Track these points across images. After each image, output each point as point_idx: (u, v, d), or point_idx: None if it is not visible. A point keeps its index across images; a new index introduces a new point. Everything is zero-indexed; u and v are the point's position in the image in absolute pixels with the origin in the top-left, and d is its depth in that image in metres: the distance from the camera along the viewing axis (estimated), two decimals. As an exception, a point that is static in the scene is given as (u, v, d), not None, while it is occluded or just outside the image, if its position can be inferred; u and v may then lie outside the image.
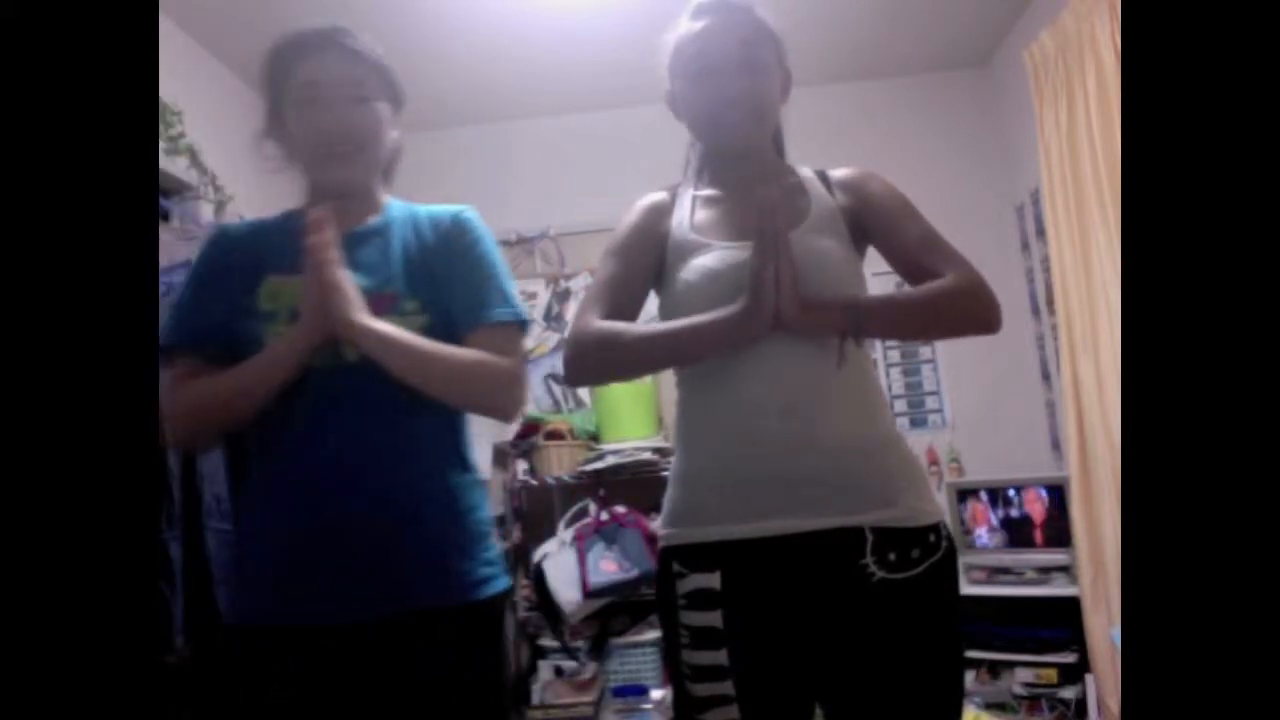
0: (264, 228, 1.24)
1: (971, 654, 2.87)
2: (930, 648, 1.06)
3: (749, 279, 1.03)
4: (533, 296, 3.71)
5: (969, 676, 2.90)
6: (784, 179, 1.23)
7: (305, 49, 1.17)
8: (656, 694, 2.95)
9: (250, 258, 1.18)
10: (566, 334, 1.18)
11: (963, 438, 3.53)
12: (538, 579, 3.03)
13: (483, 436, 3.59)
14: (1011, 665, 2.90)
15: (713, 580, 1.07)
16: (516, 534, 3.40)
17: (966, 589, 2.98)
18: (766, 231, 1.01)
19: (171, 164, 2.66)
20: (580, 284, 3.68)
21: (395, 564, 1.09)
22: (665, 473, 1.21)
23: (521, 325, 1.20)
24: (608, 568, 2.96)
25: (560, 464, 3.29)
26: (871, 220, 1.18)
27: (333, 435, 1.11)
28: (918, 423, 3.58)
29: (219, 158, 2.79)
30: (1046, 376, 3.43)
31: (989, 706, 2.83)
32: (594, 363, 1.13)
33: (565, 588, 2.97)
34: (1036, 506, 3.09)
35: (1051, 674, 2.83)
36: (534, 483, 3.33)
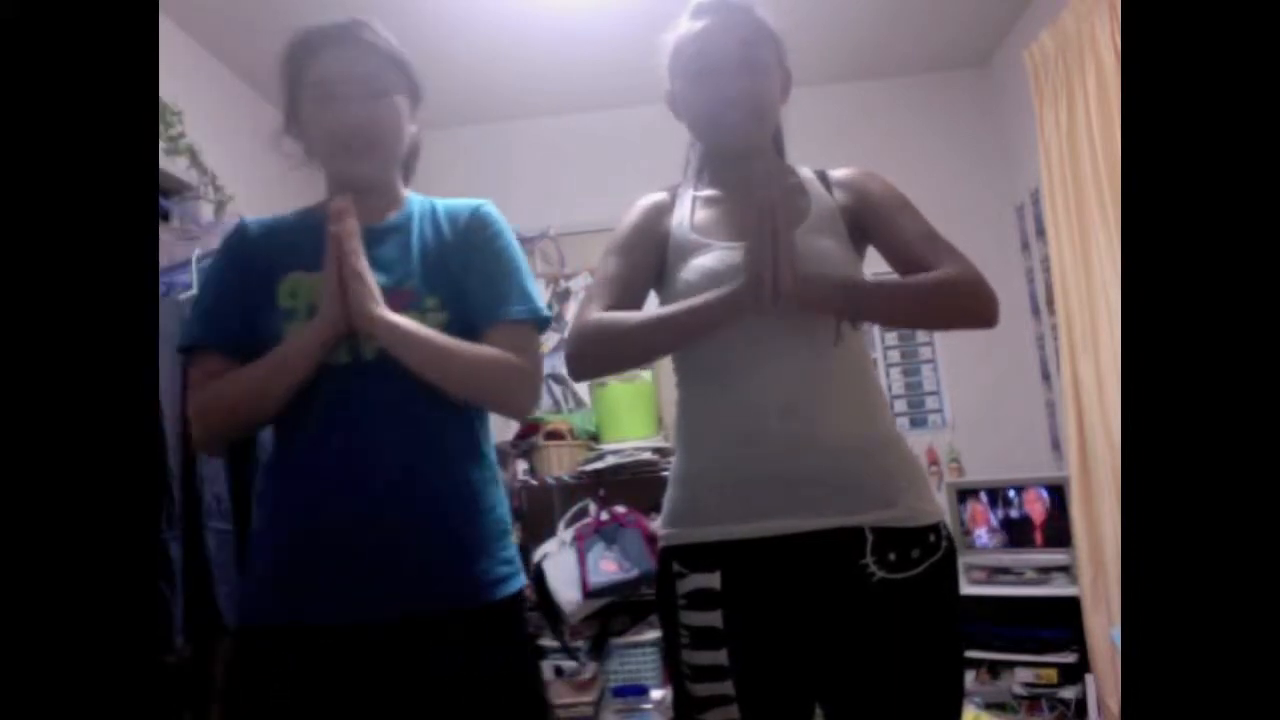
0: (283, 224, 1.23)
1: (971, 654, 2.87)
2: (930, 648, 1.06)
3: (746, 254, 1.02)
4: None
5: (969, 676, 2.90)
6: (784, 179, 1.23)
7: (323, 44, 1.16)
8: (656, 694, 2.95)
9: (269, 254, 1.18)
10: (568, 332, 1.17)
11: (963, 438, 3.53)
12: (538, 579, 3.02)
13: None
14: (1011, 665, 2.90)
15: (713, 580, 1.07)
16: (516, 534, 3.39)
17: (966, 589, 2.98)
18: (764, 206, 1.00)
19: (171, 164, 2.66)
20: (580, 284, 3.68)
21: (414, 563, 1.08)
22: (665, 473, 1.21)
23: (539, 323, 1.19)
24: (608, 568, 2.96)
25: (560, 464, 3.29)
26: (870, 219, 1.18)
27: (351, 433, 1.10)
28: (918, 423, 3.58)
29: (219, 158, 2.79)
30: (1046, 376, 3.43)
31: (989, 706, 2.83)
32: (595, 353, 1.12)
33: (565, 588, 2.97)
34: (1037, 507, 3.09)
35: (1051, 674, 2.83)
36: (534, 483, 3.33)
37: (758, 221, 1.01)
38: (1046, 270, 3.19)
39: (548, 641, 3.15)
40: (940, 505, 1.15)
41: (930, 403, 3.59)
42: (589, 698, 2.95)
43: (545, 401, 3.65)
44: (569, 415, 3.54)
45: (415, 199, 1.26)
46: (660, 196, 1.26)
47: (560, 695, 2.99)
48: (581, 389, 3.61)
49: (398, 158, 1.22)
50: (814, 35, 3.20)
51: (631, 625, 3.11)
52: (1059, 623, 2.86)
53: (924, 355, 3.61)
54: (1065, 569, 2.96)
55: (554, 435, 3.33)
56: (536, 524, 3.40)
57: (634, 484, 3.18)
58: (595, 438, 3.40)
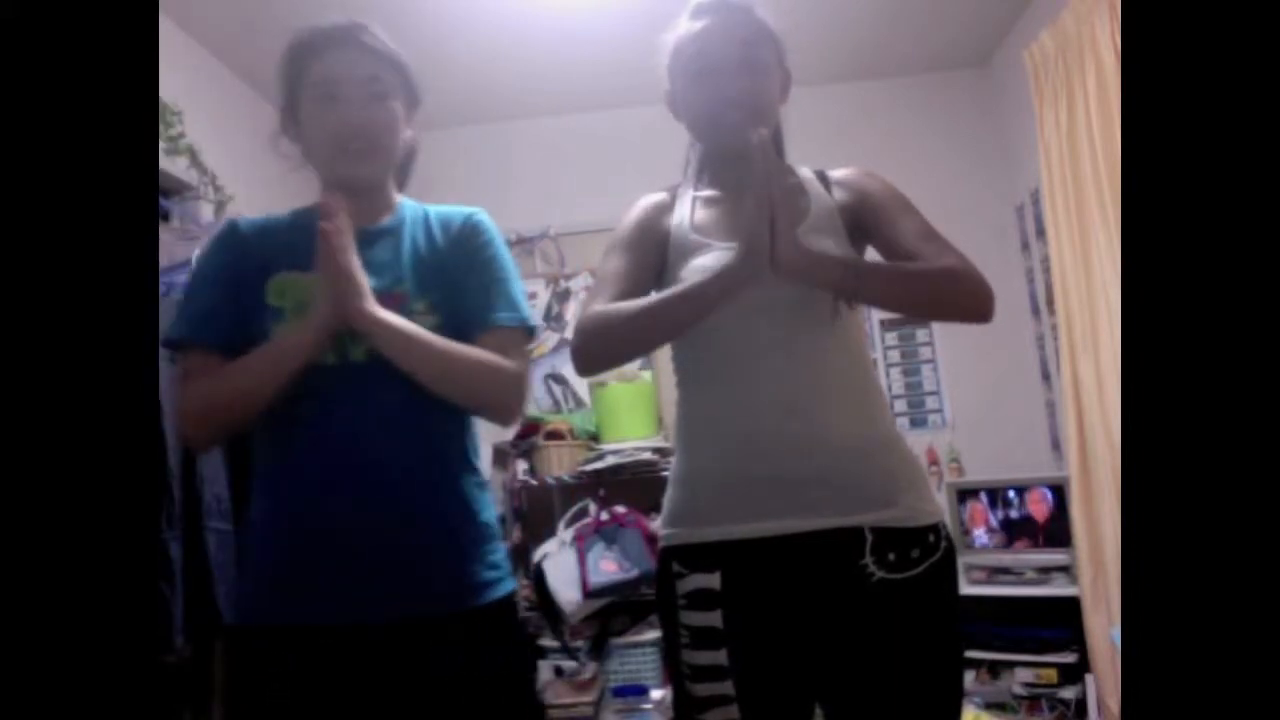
0: (274, 224, 1.24)
1: (971, 654, 2.87)
2: (930, 648, 1.06)
3: (742, 220, 1.01)
4: (533, 296, 3.71)
5: (969, 676, 2.89)
6: (783, 179, 1.23)
7: (323, 45, 1.16)
8: (656, 694, 2.95)
9: (260, 253, 1.18)
10: (571, 329, 1.17)
11: (963, 438, 3.53)
12: (538, 579, 3.03)
13: (482, 437, 3.60)
14: (1011, 665, 2.90)
15: (712, 580, 1.07)
16: (516, 534, 3.40)
17: (966, 589, 2.98)
18: (759, 173, 1.00)
19: (171, 164, 2.65)
20: (580, 284, 3.68)
21: (400, 566, 1.08)
22: (665, 473, 1.21)
23: (528, 331, 1.20)
24: (608, 568, 2.96)
25: (560, 464, 3.29)
26: (869, 216, 1.18)
27: (338, 435, 1.10)
28: (918, 423, 3.58)
29: (219, 158, 2.79)
30: (1046, 376, 3.43)
31: (989, 706, 2.83)
32: (599, 345, 1.11)
33: (565, 588, 2.97)
34: (1040, 507, 3.09)
35: (1051, 674, 2.83)
36: (534, 483, 3.33)
37: (755, 192, 1.00)
38: (1046, 270, 3.19)
39: (548, 641, 3.15)
40: (940, 505, 1.15)
41: (930, 403, 3.59)
42: (589, 698, 2.95)
43: (545, 401, 3.65)
44: (569, 415, 3.54)
45: (408, 204, 1.26)
46: (660, 196, 1.26)
47: (560, 695, 2.99)
48: (582, 389, 3.61)
49: (394, 161, 1.22)
50: (814, 35, 3.20)
51: (631, 625, 3.11)
52: (1059, 623, 2.86)
53: (924, 355, 3.61)
54: (1065, 569, 2.96)
55: (554, 435, 3.33)
56: (536, 524, 3.40)
57: (634, 484, 3.18)
58: (595, 438, 3.40)
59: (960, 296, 1.08)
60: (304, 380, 1.10)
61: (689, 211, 1.22)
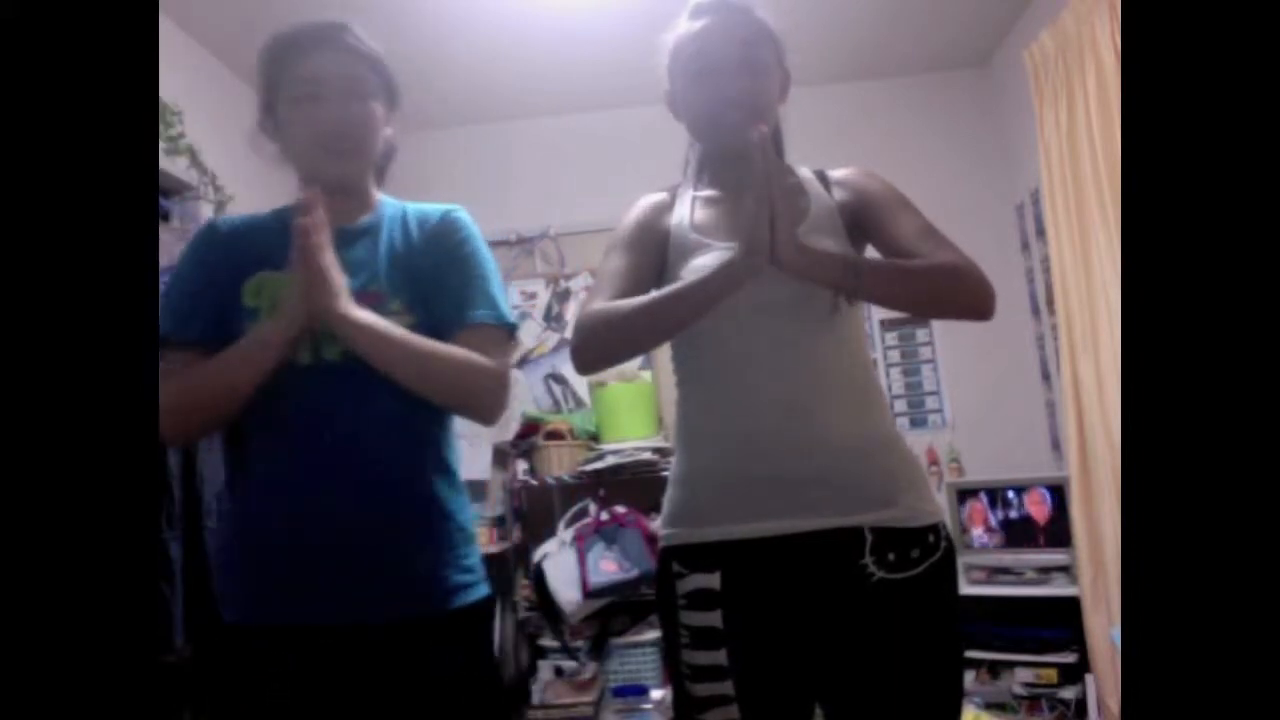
0: (255, 223, 1.23)
1: (971, 654, 2.87)
2: (929, 648, 1.06)
3: (742, 217, 1.01)
4: (533, 296, 3.71)
5: (969, 676, 2.90)
6: (783, 178, 1.23)
7: (303, 45, 1.16)
8: (656, 694, 2.95)
9: (239, 253, 1.18)
10: (571, 328, 1.17)
11: (963, 438, 3.53)
12: (538, 579, 3.03)
13: (482, 437, 3.61)
14: (1011, 665, 2.90)
15: (712, 580, 1.07)
16: (516, 534, 3.40)
17: (966, 589, 2.98)
18: (759, 171, 0.99)
19: (171, 164, 2.66)
20: (580, 284, 3.68)
21: (371, 567, 1.08)
22: (665, 473, 1.21)
23: (507, 329, 1.19)
24: (608, 568, 2.96)
25: (560, 464, 3.29)
26: (869, 216, 1.18)
27: (311, 435, 1.10)
28: (918, 423, 3.58)
29: (219, 158, 2.79)
30: (1046, 376, 3.43)
31: (989, 706, 2.83)
32: (598, 342, 1.10)
33: (565, 588, 2.97)
34: (1039, 507, 3.09)
35: (1051, 674, 2.83)
36: (534, 483, 3.33)
37: (755, 189, 0.99)
38: (1046, 270, 3.19)
39: (548, 641, 3.16)
40: (940, 505, 1.15)
41: (930, 403, 3.59)
42: (589, 698, 2.96)
43: (545, 401, 3.65)
44: (569, 415, 3.55)
45: (388, 202, 1.26)
46: (660, 196, 1.26)
47: (560, 695, 2.99)
48: (582, 389, 3.61)
49: (373, 160, 1.22)
50: (814, 35, 3.20)
51: (631, 625, 3.12)
52: (1059, 623, 2.86)
53: (924, 355, 3.61)
54: (1065, 569, 2.96)
55: (554, 435, 3.33)
56: (536, 524, 3.41)
57: (634, 484, 3.19)
58: (595, 438, 3.40)
59: (961, 294, 1.07)
60: (278, 380, 1.10)
61: (689, 211, 1.22)
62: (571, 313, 3.66)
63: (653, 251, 1.20)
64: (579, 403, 3.63)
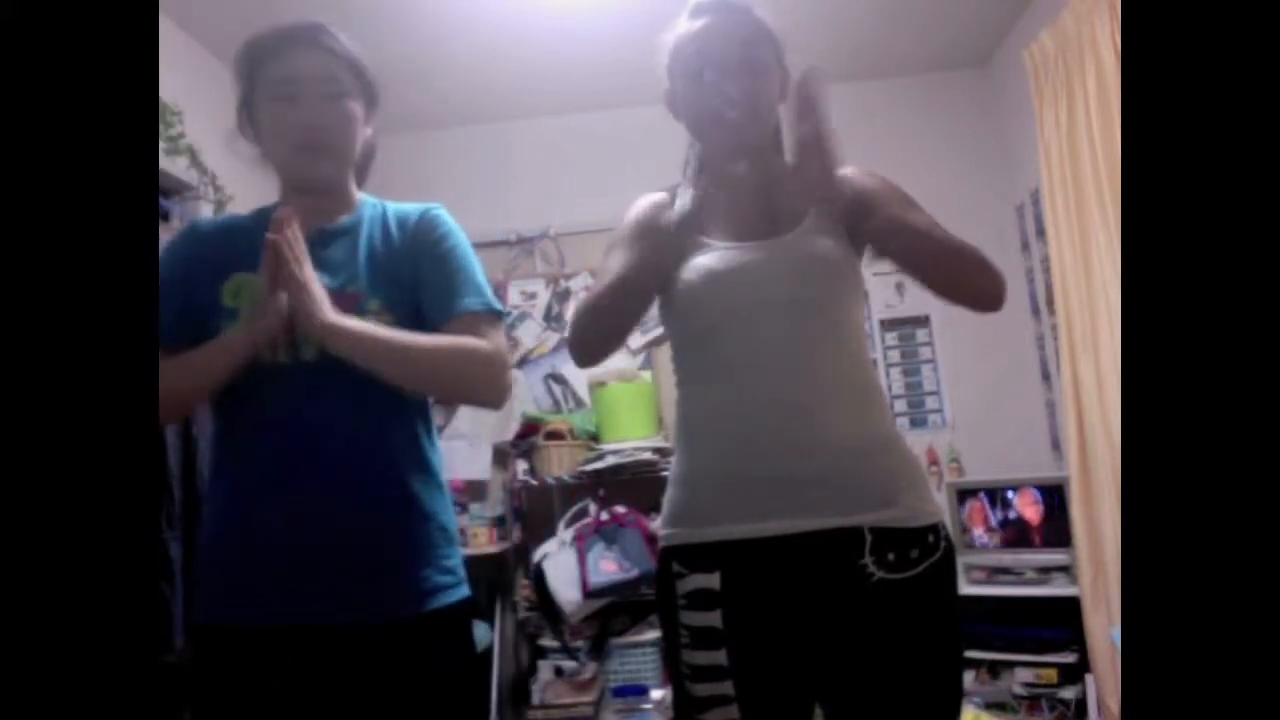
0: (234, 225, 1.24)
1: (971, 654, 2.87)
2: (929, 648, 1.06)
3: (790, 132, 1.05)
4: (533, 296, 3.71)
5: (969, 676, 2.90)
6: (784, 179, 1.23)
7: (279, 46, 1.16)
8: (656, 694, 2.95)
9: (219, 253, 1.18)
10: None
11: (963, 438, 3.53)
12: (538, 579, 3.03)
13: (482, 437, 3.62)
14: (1011, 665, 2.90)
15: (712, 580, 1.07)
16: (516, 534, 3.40)
17: (966, 589, 2.98)
18: (819, 102, 1.02)
19: (171, 164, 2.66)
20: (580, 284, 3.67)
21: (351, 568, 1.08)
22: (665, 473, 1.21)
23: (497, 314, 1.19)
24: (608, 568, 2.96)
25: (560, 464, 3.29)
26: (872, 214, 1.18)
27: (291, 434, 1.10)
28: (918, 423, 3.58)
29: (219, 158, 2.79)
30: (1046, 376, 3.43)
31: (989, 706, 2.83)
32: (590, 326, 1.13)
33: (565, 588, 2.97)
34: (1034, 508, 3.09)
35: (1051, 674, 2.83)
36: (534, 483, 3.33)
37: (814, 118, 1.03)
38: (1046, 270, 3.19)
39: (548, 641, 3.16)
40: (940, 506, 1.15)
41: (930, 403, 3.59)
42: (589, 698, 2.96)
43: (545, 401, 3.65)
44: (569, 415, 3.54)
45: (368, 202, 1.26)
46: (660, 196, 1.26)
47: (560, 695, 2.99)
48: (582, 389, 3.61)
49: (351, 161, 1.22)
50: (814, 35, 3.20)
51: (631, 625, 3.12)
52: (1059, 623, 2.86)
53: (924, 355, 3.60)
54: (1065, 569, 2.96)
55: (554, 435, 3.33)
56: (536, 524, 3.41)
57: (634, 484, 3.19)
58: (595, 438, 3.40)
59: (983, 275, 1.10)
60: (256, 380, 1.10)
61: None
62: (572, 312, 3.66)
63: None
64: (579, 403, 3.63)
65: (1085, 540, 2.80)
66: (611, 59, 3.24)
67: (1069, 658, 2.82)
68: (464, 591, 1.16)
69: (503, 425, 3.53)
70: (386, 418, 1.14)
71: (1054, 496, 3.05)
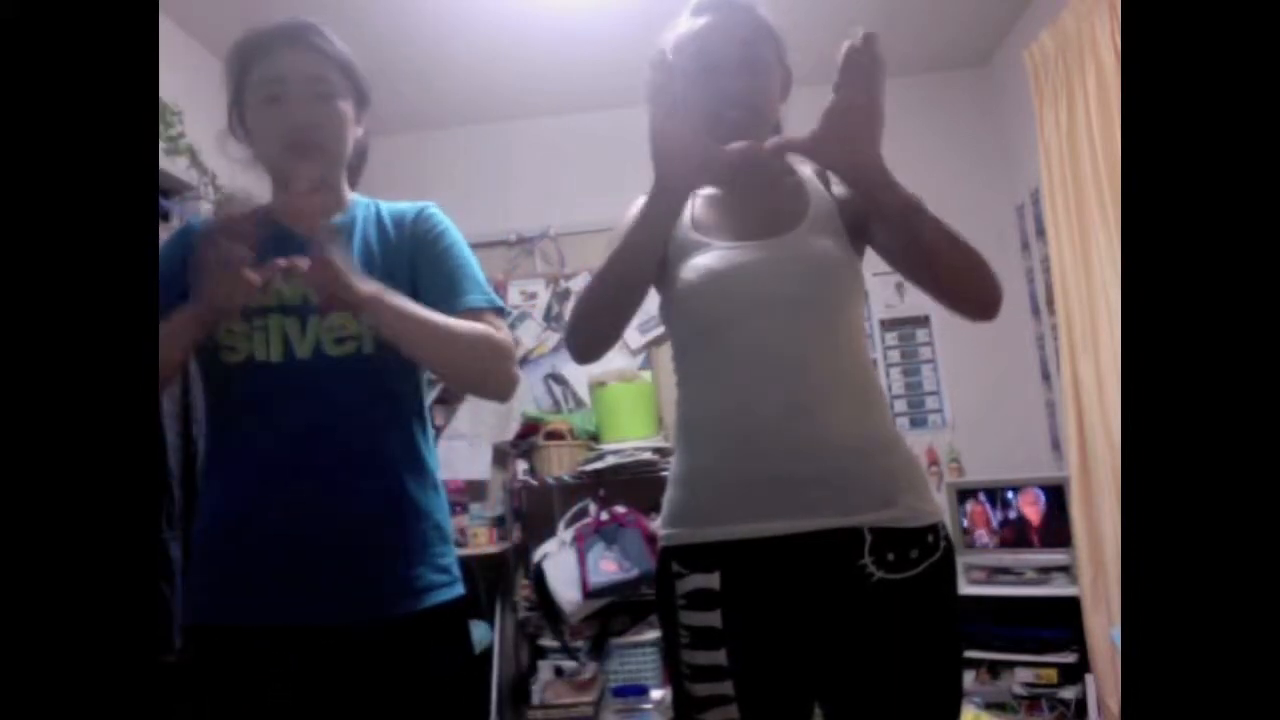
0: None
1: (971, 654, 2.87)
2: (929, 648, 1.06)
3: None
4: (533, 296, 3.71)
5: (969, 676, 2.90)
6: (784, 178, 1.23)
7: (268, 46, 1.16)
8: (656, 694, 2.95)
9: None
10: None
11: (963, 438, 3.53)
12: (538, 579, 3.03)
13: (482, 437, 3.61)
14: (1011, 665, 2.90)
15: (712, 580, 1.07)
16: (516, 534, 3.40)
17: (966, 589, 2.98)
18: (876, 64, 1.02)
19: (171, 164, 2.66)
20: (580, 284, 3.67)
21: (345, 567, 1.08)
22: (665, 473, 1.21)
23: (500, 311, 1.20)
24: (608, 568, 2.96)
25: (560, 464, 3.29)
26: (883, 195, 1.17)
27: (285, 433, 1.10)
28: (918, 423, 3.58)
29: (219, 158, 2.78)
30: (1046, 376, 3.43)
31: (989, 706, 2.83)
32: (582, 315, 1.13)
33: (565, 588, 2.97)
34: (1034, 508, 3.09)
35: (1051, 674, 2.83)
36: (534, 483, 3.33)
37: (868, 80, 1.02)
38: (1046, 270, 3.19)
39: (548, 641, 3.16)
40: (940, 506, 1.15)
41: (930, 403, 3.59)
42: (589, 698, 2.96)
43: (545, 401, 3.65)
44: (569, 415, 3.54)
45: (361, 201, 1.26)
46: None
47: (560, 695, 2.99)
48: (582, 389, 3.61)
49: (342, 160, 1.22)
50: (814, 35, 3.19)
51: (631, 625, 3.12)
52: (1059, 623, 2.86)
53: (924, 355, 3.61)
54: (1065, 569, 2.96)
55: (554, 435, 3.33)
56: (536, 524, 3.41)
57: (634, 484, 3.19)
58: (595, 438, 3.40)
59: (986, 283, 1.08)
60: (251, 378, 1.10)
61: (689, 210, 1.21)
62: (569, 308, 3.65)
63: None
64: (579, 403, 3.63)
65: (1085, 540, 2.80)
66: (611, 59, 3.24)
67: (1069, 658, 2.82)
68: (459, 590, 1.16)
69: (503, 425, 3.53)
70: (381, 416, 1.14)
71: (1054, 496, 3.05)
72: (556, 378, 3.67)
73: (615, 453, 3.21)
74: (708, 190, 1.24)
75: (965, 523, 3.19)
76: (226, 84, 1.21)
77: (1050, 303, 3.16)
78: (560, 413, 3.60)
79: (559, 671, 3.10)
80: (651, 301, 1.20)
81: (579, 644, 3.09)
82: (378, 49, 3.10)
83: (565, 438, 3.34)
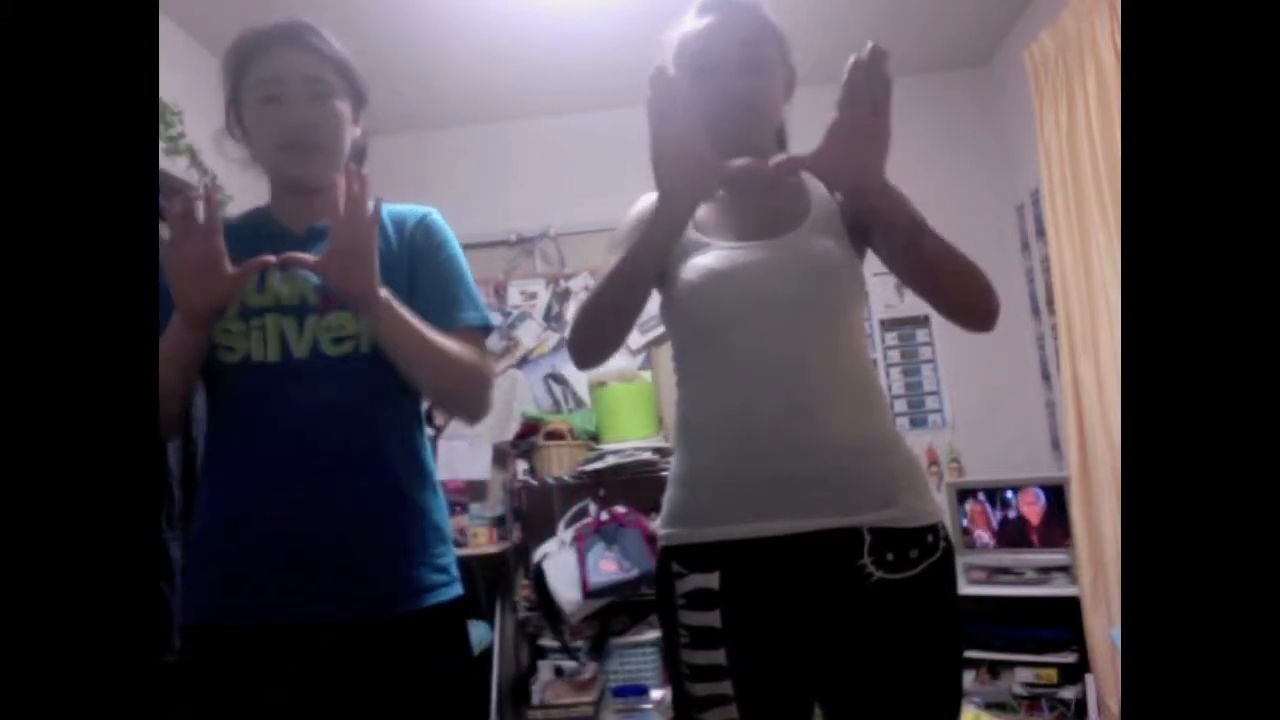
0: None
1: (971, 654, 2.87)
2: (928, 648, 1.06)
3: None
4: (533, 296, 3.71)
5: (969, 676, 2.90)
6: (785, 179, 1.23)
7: (265, 46, 1.17)
8: (656, 694, 2.95)
9: None
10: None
11: (963, 438, 3.53)
12: (538, 579, 3.03)
13: (482, 437, 3.61)
14: (1011, 665, 2.90)
15: (711, 580, 1.07)
16: (516, 534, 3.40)
17: (966, 589, 2.98)
18: (881, 82, 0.98)
19: (171, 164, 2.66)
20: (580, 284, 3.67)
21: (342, 567, 1.08)
22: (665, 473, 1.21)
23: (488, 330, 1.22)
24: (608, 568, 2.97)
25: (560, 464, 3.29)
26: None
27: (282, 433, 1.10)
28: (918, 423, 3.58)
29: (219, 158, 2.79)
30: (1046, 376, 3.43)
31: (989, 706, 2.83)
32: (584, 324, 1.13)
33: (565, 588, 2.97)
34: (1034, 508, 3.09)
35: (1051, 674, 2.83)
36: (534, 483, 3.33)
37: (869, 95, 0.98)
38: (1046, 270, 3.19)
39: (548, 641, 3.16)
40: (940, 506, 1.15)
41: (930, 403, 3.59)
42: (589, 698, 2.96)
43: (545, 401, 3.65)
44: (569, 415, 3.54)
45: None
46: (661, 196, 1.26)
47: (560, 695, 2.99)
48: (582, 389, 3.61)
49: (339, 160, 1.21)
50: (814, 35, 3.19)
51: (631, 625, 3.12)
52: (1059, 623, 2.86)
53: (924, 355, 3.61)
54: (1065, 569, 2.96)
55: (554, 435, 3.33)
56: (536, 524, 3.41)
57: (634, 484, 3.19)
58: (595, 438, 3.40)
59: (984, 294, 1.09)
60: (248, 379, 1.10)
61: (689, 211, 1.21)
62: (571, 313, 3.66)
63: None
64: (579, 403, 3.63)
65: (1085, 540, 2.80)
66: (611, 59, 3.24)
67: (1069, 658, 2.82)
68: (457, 590, 1.16)
69: (503, 425, 3.53)
70: (379, 416, 1.14)
71: (1054, 496, 3.05)
72: (556, 378, 3.67)
73: (615, 453, 3.21)
74: (708, 190, 1.24)
75: (965, 523, 3.19)
76: (224, 84, 1.21)
77: (1050, 303, 3.16)
78: (560, 413, 3.60)
79: (559, 671, 3.10)
80: (652, 301, 1.20)
81: (579, 644, 3.09)
82: (378, 49, 3.10)
83: (565, 438, 3.34)
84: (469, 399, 1.17)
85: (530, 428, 3.40)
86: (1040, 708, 2.82)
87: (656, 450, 3.21)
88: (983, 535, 3.16)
